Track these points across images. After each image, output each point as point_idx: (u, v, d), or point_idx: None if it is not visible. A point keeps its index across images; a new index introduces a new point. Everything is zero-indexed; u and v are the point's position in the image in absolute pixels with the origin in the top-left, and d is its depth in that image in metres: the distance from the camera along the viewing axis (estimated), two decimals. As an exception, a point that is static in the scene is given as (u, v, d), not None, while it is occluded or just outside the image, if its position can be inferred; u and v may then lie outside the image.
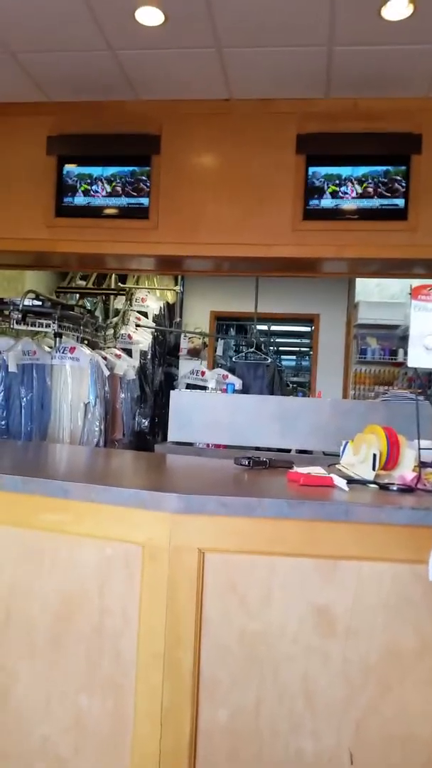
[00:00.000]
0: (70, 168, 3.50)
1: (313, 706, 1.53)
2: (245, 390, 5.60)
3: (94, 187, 3.48)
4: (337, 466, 1.99)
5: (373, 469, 1.76)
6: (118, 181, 3.46)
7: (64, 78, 3.28)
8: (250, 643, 1.52)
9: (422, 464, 1.78)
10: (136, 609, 1.53)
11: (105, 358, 4.47)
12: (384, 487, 1.70)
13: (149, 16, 2.71)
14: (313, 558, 1.52)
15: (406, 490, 1.67)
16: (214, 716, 1.53)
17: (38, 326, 4.10)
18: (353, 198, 3.30)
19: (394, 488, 1.68)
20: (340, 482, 1.69)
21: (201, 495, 1.52)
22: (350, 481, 1.74)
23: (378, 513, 1.49)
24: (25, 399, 3.83)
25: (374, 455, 1.75)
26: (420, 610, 1.52)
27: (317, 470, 1.83)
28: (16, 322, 3.97)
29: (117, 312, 6.24)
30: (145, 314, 6.52)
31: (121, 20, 2.75)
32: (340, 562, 1.52)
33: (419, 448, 1.76)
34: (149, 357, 6.16)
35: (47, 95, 3.46)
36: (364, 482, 1.76)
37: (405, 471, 1.78)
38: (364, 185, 3.28)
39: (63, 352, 4.06)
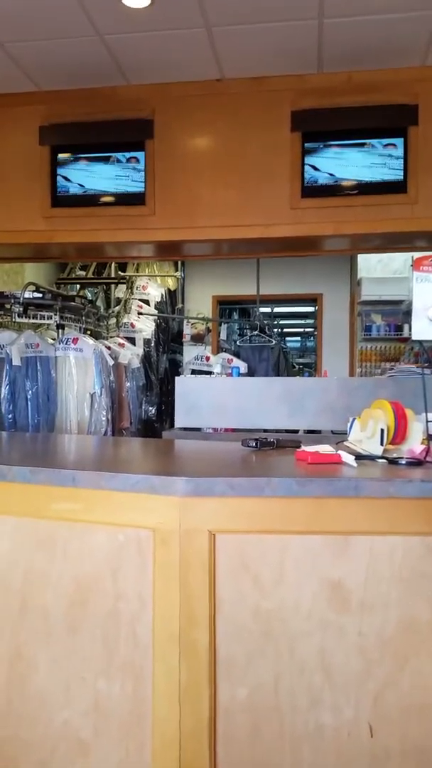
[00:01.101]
0: (63, 157, 3.48)
1: (330, 680, 1.54)
2: (251, 373, 5.59)
3: (88, 176, 3.45)
4: (345, 443, 1.98)
5: (381, 444, 1.76)
6: (113, 168, 3.43)
7: (53, 66, 3.24)
8: (266, 620, 1.53)
9: (431, 437, 1.78)
10: (150, 592, 1.54)
11: (108, 348, 4.47)
12: (393, 462, 1.69)
13: (135, -2, 2.68)
14: (324, 535, 1.52)
15: (415, 463, 1.66)
16: (232, 694, 1.54)
17: (40, 318, 4.10)
18: (351, 173, 3.26)
19: (403, 462, 1.67)
20: (349, 458, 1.69)
21: (209, 477, 1.52)
22: (358, 457, 1.74)
23: (387, 487, 1.48)
24: (30, 392, 3.84)
25: (382, 430, 1.75)
26: (433, 582, 1.52)
27: (325, 448, 1.82)
28: (18, 315, 3.97)
29: (118, 301, 6.23)
30: (147, 302, 6.51)
31: (108, 4, 2.71)
32: (351, 537, 1.52)
33: (427, 421, 1.75)
34: (153, 345, 6.16)
35: (37, 84, 3.43)
36: (372, 457, 1.75)
37: (413, 444, 1.77)
38: (362, 159, 3.24)
39: (66, 344, 4.06)
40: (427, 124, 3.21)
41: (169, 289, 7.18)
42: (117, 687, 1.59)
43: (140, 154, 3.41)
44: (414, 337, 1.69)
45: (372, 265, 6.72)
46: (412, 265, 1.66)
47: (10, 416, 3.73)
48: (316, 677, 1.54)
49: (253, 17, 2.81)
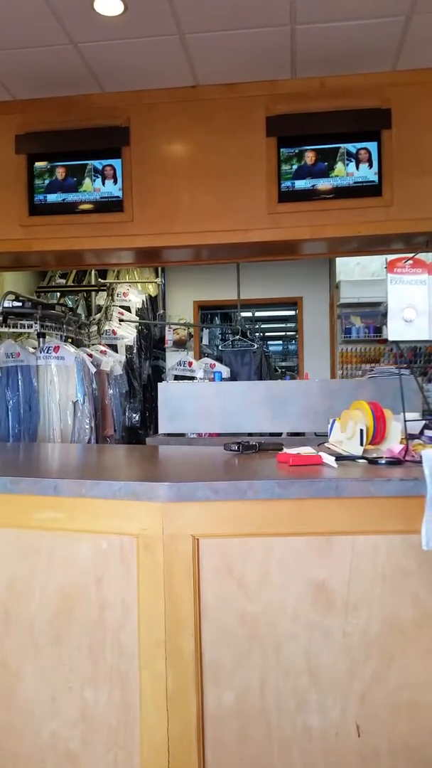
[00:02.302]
0: (40, 165, 3.47)
1: (317, 682, 1.54)
2: (234, 377, 5.60)
3: (66, 183, 3.45)
4: (326, 444, 2.00)
5: (361, 444, 1.77)
6: (90, 175, 3.43)
7: (28, 75, 3.24)
8: (251, 624, 1.54)
9: (409, 436, 1.79)
10: (135, 599, 1.54)
11: (90, 355, 4.46)
12: (373, 462, 1.71)
13: (108, 6, 2.68)
14: (307, 536, 1.53)
15: (395, 462, 1.68)
16: (219, 699, 1.54)
17: (20, 327, 4.08)
18: (327, 177, 3.29)
19: (383, 462, 1.69)
20: (329, 459, 1.70)
21: (191, 482, 1.52)
22: (339, 458, 1.75)
23: (368, 487, 1.50)
24: (11, 402, 3.82)
25: (361, 430, 1.76)
26: (416, 579, 1.54)
27: (306, 450, 1.83)
28: (-2, 325, 3.94)
29: (99, 308, 6.21)
30: (128, 308, 6.50)
31: (81, 12, 2.72)
32: (334, 537, 1.53)
33: (405, 421, 1.77)
34: (135, 351, 6.15)
35: (12, 93, 3.43)
36: (352, 458, 1.77)
37: (392, 444, 1.79)
38: (337, 163, 3.28)
39: (47, 352, 4.04)
40: (400, 127, 3.25)
41: (150, 296, 7.17)
42: (104, 696, 1.58)
43: (117, 162, 3.42)
44: (390, 338, 1.71)
45: (350, 268, 6.78)
46: (386, 267, 1.68)
47: (-9, 427, 3.71)
48: (302, 679, 1.54)
49: (226, 24, 2.83)
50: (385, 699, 1.55)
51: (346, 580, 1.53)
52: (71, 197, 3.45)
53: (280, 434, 3.73)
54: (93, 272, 6.29)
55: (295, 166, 3.32)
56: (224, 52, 3.06)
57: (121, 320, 6.21)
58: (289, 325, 10.37)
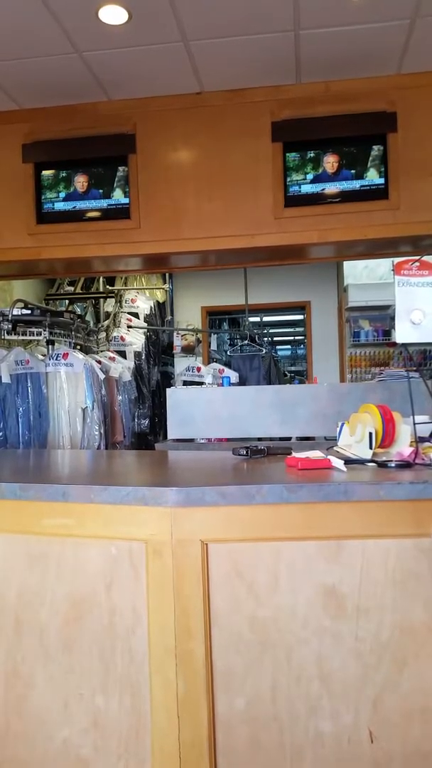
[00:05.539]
0: (47, 174, 3.50)
1: (329, 687, 1.53)
2: (242, 382, 5.59)
3: (73, 192, 3.47)
4: (335, 448, 1.99)
5: (370, 447, 1.76)
6: (97, 183, 3.45)
7: (33, 84, 3.27)
8: (261, 629, 1.53)
9: (419, 439, 1.78)
10: (145, 605, 1.54)
11: (99, 362, 4.47)
12: (382, 465, 1.70)
13: (113, 15, 2.70)
14: (316, 540, 1.53)
15: (405, 465, 1.67)
16: (231, 705, 1.53)
17: (29, 335, 4.10)
18: (333, 181, 3.29)
19: (392, 465, 1.68)
20: (338, 463, 1.69)
21: (200, 487, 1.52)
22: (348, 461, 1.74)
23: (377, 490, 1.49)
24: (21, 409, 3.83)
25: (370, 434, 1.76)
26: (428, 583, 1.52)
27: (315, 454, 1.82)
28: (7, 333, 3.96)
29: (108, 315, 6.23)
30: (136, 315, 6.52)
31: (85, 21, 2.74)
32: (344, 542, 1.52)
33: (414, 424, 1.76)
34: (143, 357, 6.16)
35: (18, 103, 3.46)
36: (362, 461, 1.76)
37: (402, 447, 1.78)
38: (343, 167, 3.28)
39: (56, 359, 4.06)
40: (406, 130, 3.25)
41: (158, 302, 7.19)
42: (115, 702, 1.57)
43: (124, 169, 3.44)
44: (397, 341, 1.70)
45: (358, 271, 6.77)
46: (392, 270, 1.68)
47: (0, 434, 3.71)
48: (314, 684, 1.53)
49: (230, 31, 2.84)
50: (398, 704, 1.53)
51: (356, 584, 1.52)
52: (79, 205, 3.47)
53: (289, 438, 3.72)
54: (101, 279, 6.32)
55: (301, 171, 3.32)
56: (229, 59, 3.07)
57: (129, 327, 6.23)
58: (297, 329, 10.35)
